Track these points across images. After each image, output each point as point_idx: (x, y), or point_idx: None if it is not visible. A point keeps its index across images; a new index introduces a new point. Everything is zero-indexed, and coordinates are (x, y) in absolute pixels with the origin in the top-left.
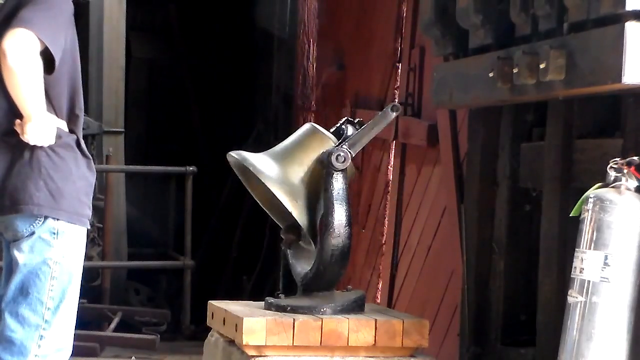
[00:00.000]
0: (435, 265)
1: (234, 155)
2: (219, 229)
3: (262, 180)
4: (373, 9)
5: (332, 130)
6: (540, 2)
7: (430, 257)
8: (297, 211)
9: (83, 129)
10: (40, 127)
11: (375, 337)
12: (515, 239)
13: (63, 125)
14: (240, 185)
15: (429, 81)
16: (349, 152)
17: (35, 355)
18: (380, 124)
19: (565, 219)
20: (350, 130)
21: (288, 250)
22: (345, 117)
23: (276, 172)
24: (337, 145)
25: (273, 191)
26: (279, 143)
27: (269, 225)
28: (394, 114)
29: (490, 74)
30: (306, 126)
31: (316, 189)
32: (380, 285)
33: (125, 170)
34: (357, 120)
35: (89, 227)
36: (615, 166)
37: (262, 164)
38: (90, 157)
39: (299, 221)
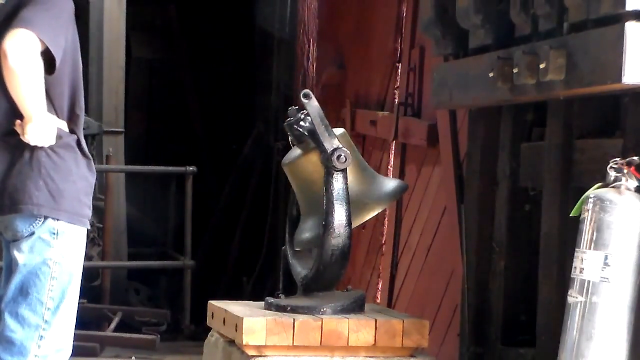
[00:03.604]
0: (435, 265)
1: (291, 253)
2: (219, 229)
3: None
4: (373, 9)
5: (292, 142)
6: (540, 2)
7: (430, 257)
8: None
9: (83, 128)
10: (41, 127)
11: (375, 337)
12: (515, 239)
13: (63, 125)
14: (240, 185)
15: (429, 81)
16: (346, 150)
17: (35, 356)
18: (314, 113)
19: (565, 219)
20: (303, 125)
21: (288, 250)
22: (285, 123)
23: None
24: (319, 147)
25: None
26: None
27: (269, 226)
28: (307, 100)
29: (490, 74)
30: (285, 166)
31: None
32: (380, 285)
33: (125, 170)
34: (291, 110)
35: (89, 228)
36: (615, 166)
37: (311, 232)
38: (91, 158)
39: None
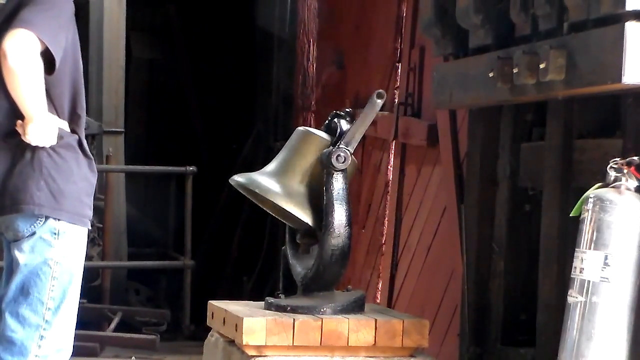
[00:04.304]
0: (435, 265)
1: (239, 179)
2: (219, 229)
3: (271, 200)
4: (373, 9)
5: (323, 127)
6: (540, 2)
7: (430, 257)
8: (310, 218)
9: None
10: (42, 127)
11: (375, 337)
12: (515, 239)
13: (64, 125)
14: None
15: (429, 81)
16: (348, 150)
17: (36, 356)
18: (370, 114)
19: (565, 219)
20: (343, 124)
21: (288, 250)
22: (334, 111)
23: (281, 187)
24: (333, 144)
25: (284, 207)
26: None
27: (269, 226)
28: (380, 101)
29: (490, 74)
30: (298, 131)
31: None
32: (380, 285)
33: (125, 170)
34: (345, 110)
35: (90, 228)
36: (615, 166)
37: (267, 182)
38: (92, 158)
39: (315, 227)
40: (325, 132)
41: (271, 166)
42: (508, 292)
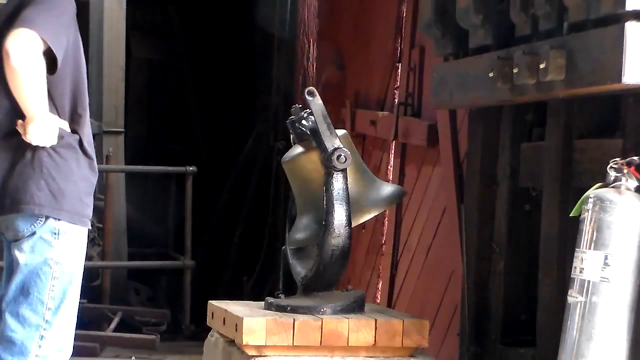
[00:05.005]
0: (435, 265)
1: (294, 240)
2: (219, 229)
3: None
4: (373, 9)
5: (292, 139)
6: (540, 2)
7: (430, 257)
8: None
9: None
10: (43, 127)
11: (375, 337)
12: (515, 239)
13: (65, 125)
14: (240, 185)
15: (429, 81)
16: (346, 150)
17: (36, 356)
18: (317, 111)
19: (565, 219)
20: (308, 122)
21: (288, 250)
22: (288, 120)
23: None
24: (320, 148)
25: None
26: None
27: (268, 226)
28: (312, 97)
29: (490, 74)
30: (285, 163)
31: None
32: (380, 285)
33: (125, 170)
34: (294, 109)
35: (90, 228)
36: (615, 166)
37: (310, 228)
38: (93, 158)
39: None
40: (298, 143)
41: (300, 208)
42: (508, 292)
